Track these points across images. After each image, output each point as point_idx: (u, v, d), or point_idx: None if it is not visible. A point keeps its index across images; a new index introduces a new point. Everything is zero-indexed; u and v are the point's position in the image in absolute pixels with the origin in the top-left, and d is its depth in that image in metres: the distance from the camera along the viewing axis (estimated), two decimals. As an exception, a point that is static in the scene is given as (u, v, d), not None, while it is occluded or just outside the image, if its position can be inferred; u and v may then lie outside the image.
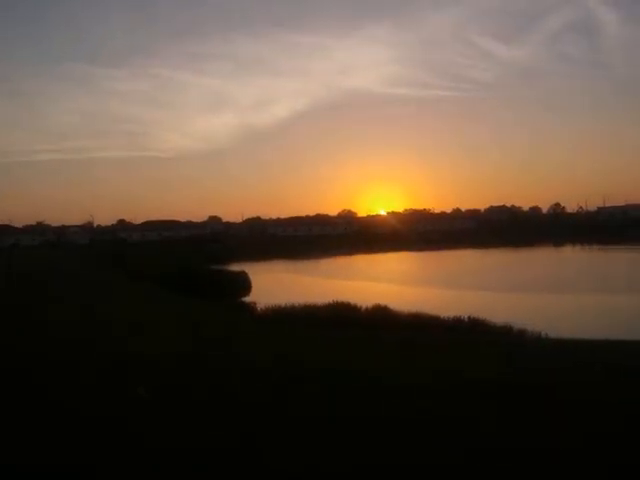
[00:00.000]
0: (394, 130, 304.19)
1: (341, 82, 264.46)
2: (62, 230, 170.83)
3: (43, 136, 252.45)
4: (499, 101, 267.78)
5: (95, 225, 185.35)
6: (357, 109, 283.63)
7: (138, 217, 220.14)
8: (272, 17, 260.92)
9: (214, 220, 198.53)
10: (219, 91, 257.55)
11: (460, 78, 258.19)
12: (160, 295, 36.82)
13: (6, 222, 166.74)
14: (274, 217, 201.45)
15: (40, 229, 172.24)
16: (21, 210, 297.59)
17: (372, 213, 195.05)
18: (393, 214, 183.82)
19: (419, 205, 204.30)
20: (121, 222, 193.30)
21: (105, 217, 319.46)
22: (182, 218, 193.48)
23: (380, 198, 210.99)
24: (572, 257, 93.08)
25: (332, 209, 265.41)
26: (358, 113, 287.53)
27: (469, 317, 27.31)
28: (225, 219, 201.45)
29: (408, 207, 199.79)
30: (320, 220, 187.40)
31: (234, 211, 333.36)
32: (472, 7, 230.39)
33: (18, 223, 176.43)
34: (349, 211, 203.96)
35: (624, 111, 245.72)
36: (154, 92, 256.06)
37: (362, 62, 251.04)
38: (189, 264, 66.44)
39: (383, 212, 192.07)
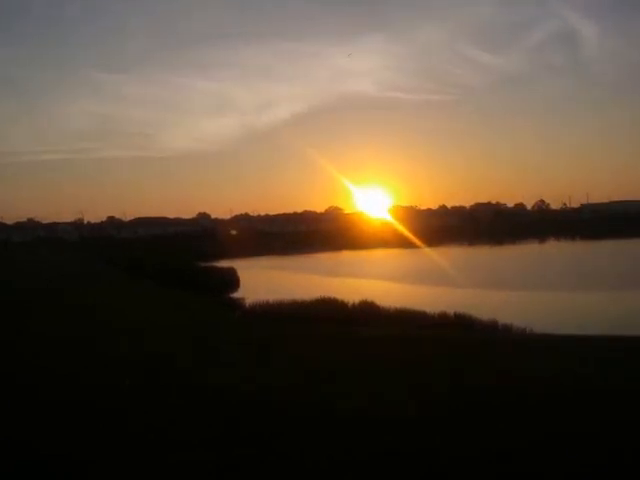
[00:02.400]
0: (384, 131, 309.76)
1: (338, 87, 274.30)
2: (52, 227, 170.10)
3: (53, 137, 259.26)
4: (485, 105, 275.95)
5: (85, 222, 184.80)
6: (352, 111, 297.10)
7: (128, 214, 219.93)
8: (275, 28, 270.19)
9: (203, 217, 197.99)
10: (223, 96, 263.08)
11: (448, 84, 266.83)
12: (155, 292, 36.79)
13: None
14: (262, 214, 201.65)
15: (31, 225, 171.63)
16: (12, 207, 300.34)
17: (359, 210, 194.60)
18: (380, 211, 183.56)
19: (406, 202, 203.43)
20: (110, 219, 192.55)
21: (95, 214, 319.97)
22: (172, 215, 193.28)
23: (367, 195, 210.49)
24: (555, 252, 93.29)
25: (319, 206, 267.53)
26: (352, 115, 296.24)
27: (455, 313, 27.42)
28: (214, 216, 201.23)
29: (395, 204, 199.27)
30: (308, 217, 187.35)
31: (223, 208, 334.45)
32: (460, 20, 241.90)
33: (9, 220, 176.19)
34: (336, 208, 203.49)
35: (604, 114, 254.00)
36: (162, 96, 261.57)
37: (358, 69, 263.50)
38: (178, 261, 66.35)
39: (370, 209, 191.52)
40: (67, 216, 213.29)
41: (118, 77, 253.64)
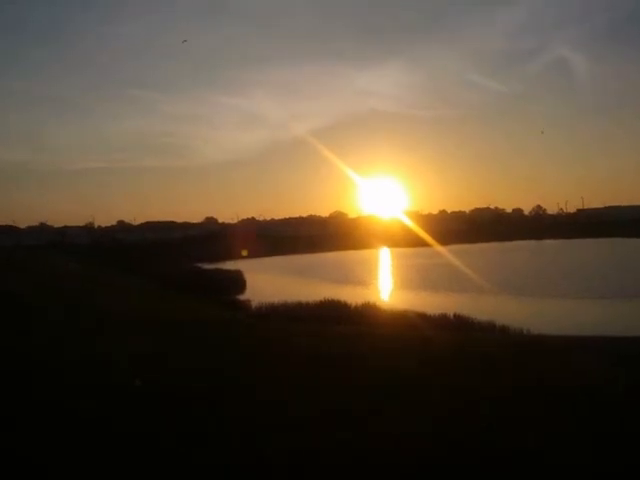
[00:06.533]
0: (394, 142, 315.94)
1: (358, 104, 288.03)
2: (63, 231, 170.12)
3: (94, 148, 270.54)
4: (486, 121, 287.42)
5: (96, 226, 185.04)
6: (366, 126, 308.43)
7: (138, 218, 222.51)
8: (304, 51, 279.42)
9: (210, 221, 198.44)
10: (252, 112, 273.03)
11: (455, 103, 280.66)
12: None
13: (9, 223, 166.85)
14: (268, 218, 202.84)
15: (42, 230, 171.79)
16: (25, 211, 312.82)
17: (362, 214, 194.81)
18: (384, 214, 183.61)
19: (408, 208, 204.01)
20: (120, 223, 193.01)
21: (106, 218, 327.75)
22: (180, 219, 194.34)
23: (372, 199, 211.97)
24: (550, 256, 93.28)
25: (324, 211, 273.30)
26: (365, 129, 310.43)
27: (454, 314, 27.50)
28: (221, 220, 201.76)
29: (398, 209, 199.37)
30: (313, 221, 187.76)
31: (231, 213, 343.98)
32: (467, 50, 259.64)
33: (22, 224, 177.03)
34: (340, 212, 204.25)
35: (595, 129, 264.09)
36: (195, 112, 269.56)
37: (377, 89, 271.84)
38: (187, 264, 66.58)
39: (374, 212, 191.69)
40: (78, 220, 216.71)
41: (157, 95, 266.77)
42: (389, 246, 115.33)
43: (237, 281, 54.00)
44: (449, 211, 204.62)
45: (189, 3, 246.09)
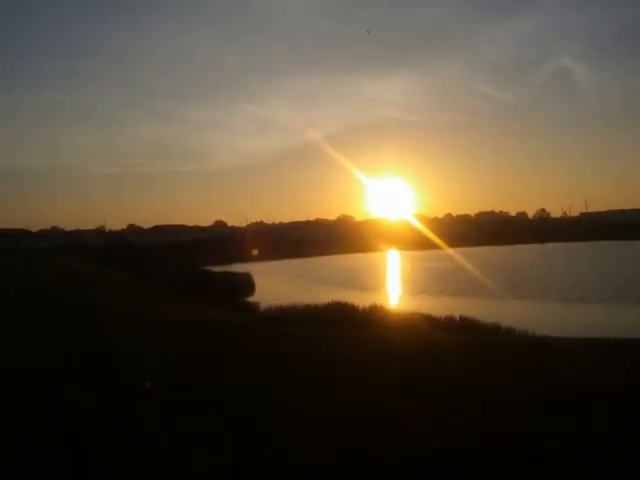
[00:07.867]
0: (402, 147, 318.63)
1: (368, 111, 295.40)
2: (75, 234, 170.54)
3: (107, 154, 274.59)
4: (491, 127, 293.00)
5: (107, 229, 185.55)
6: (374, 132, 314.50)
7: (148, 222, 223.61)
8: (317, 60, 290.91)
9: (219, 224, 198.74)
10: (268, 119, 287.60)
11: (461, 110, 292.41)
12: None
13: (22, 227, 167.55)
14: (276, 222, 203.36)
15: (54, 233, 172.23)
16: (37, 215, 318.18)
17: (369, 218, 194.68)
18: (390, 217, 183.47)
19: (415, 211, 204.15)
20: (131, 226, 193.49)
21: (117, 222, 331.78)
22: (190, 223, 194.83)
23: (378, 204, 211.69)
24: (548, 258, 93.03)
25: (331, 214, 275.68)
26: (374, 135, 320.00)
27: (460, 317, 27.42)
28: (230, 224, 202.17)
29: (405, 212, 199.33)
30: (320, 224, 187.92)
31: (239, 216, 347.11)
32: (472, 59, 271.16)
33: (33, 228, 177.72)
34: (347, 215, 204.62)
35: (598, 135, 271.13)
36: (210, 118, 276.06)
37: (386, 97, 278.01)
38: (196, 267, 66.62)
39: (380, 215, 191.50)
40: (89, 224, 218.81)
41: (172, 102, 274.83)
42: (396, 249, 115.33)
43: (246, 284, 53.74)
44: (455, 214, 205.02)
45: (207, 14, 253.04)
